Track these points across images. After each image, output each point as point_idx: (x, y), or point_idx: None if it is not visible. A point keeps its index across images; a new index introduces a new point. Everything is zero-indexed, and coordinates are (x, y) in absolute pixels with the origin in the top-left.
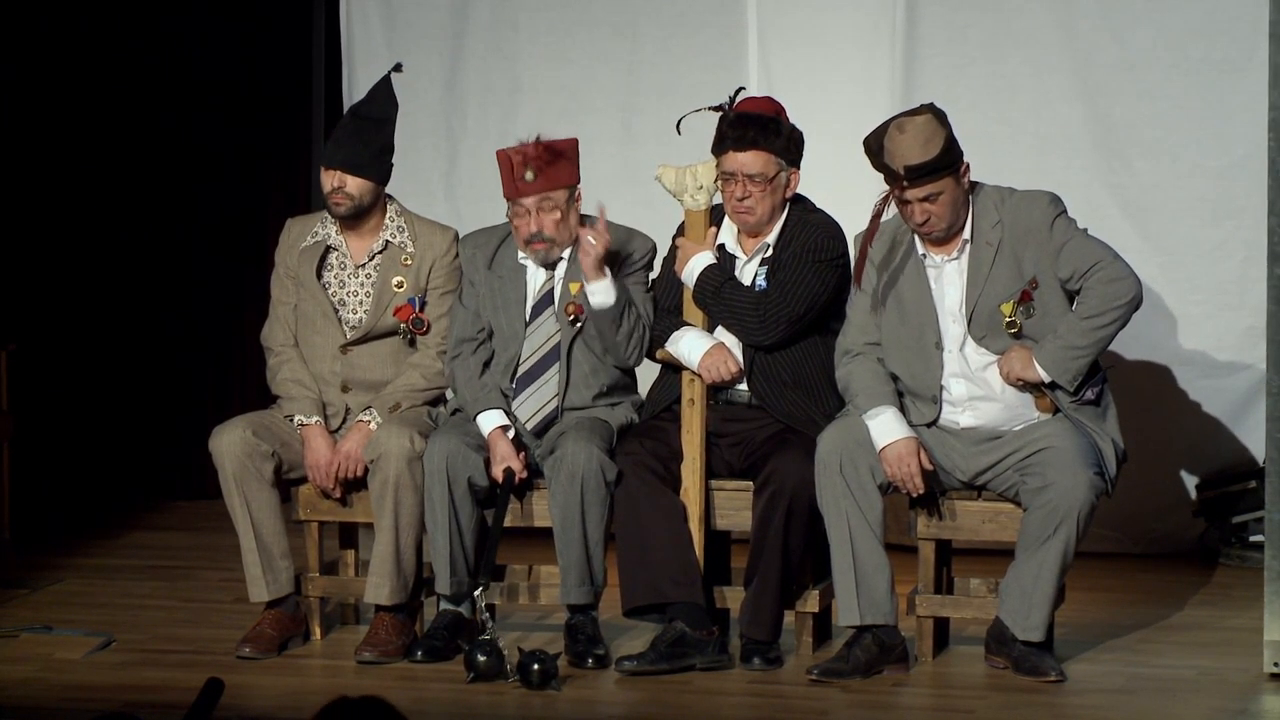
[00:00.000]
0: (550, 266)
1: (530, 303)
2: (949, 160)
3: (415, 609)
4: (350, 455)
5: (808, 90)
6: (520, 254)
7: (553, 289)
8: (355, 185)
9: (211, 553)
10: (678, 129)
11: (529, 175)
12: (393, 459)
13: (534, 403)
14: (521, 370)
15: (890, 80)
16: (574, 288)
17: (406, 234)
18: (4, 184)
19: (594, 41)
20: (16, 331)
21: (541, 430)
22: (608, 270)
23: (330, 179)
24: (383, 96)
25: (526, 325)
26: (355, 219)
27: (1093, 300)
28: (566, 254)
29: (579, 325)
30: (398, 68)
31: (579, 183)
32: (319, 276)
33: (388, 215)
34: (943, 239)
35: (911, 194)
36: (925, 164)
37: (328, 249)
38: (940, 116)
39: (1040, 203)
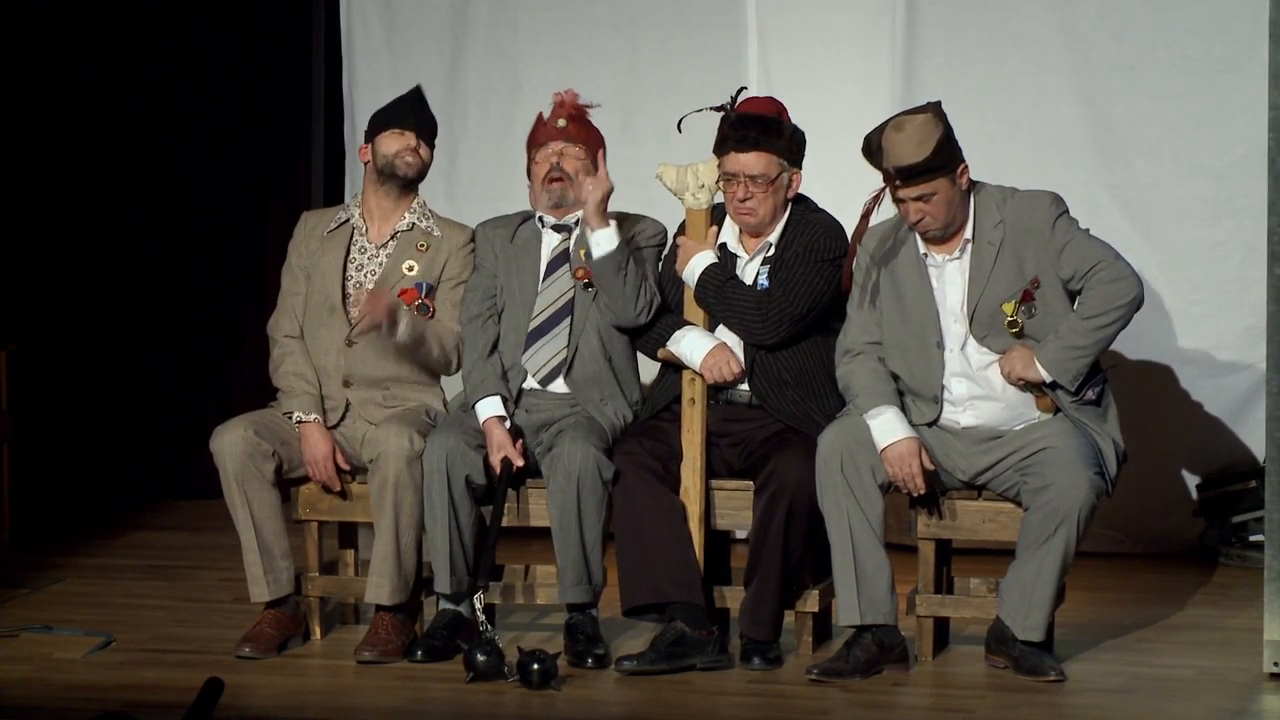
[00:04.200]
0: (564, 230)
1: (544, 263)
2: (942, 161)
3: (415, 609)
4: (318, 462)
5: (808, 90)
6: (538, 220)
7: (567, 249)
8: (426, 153)
9: (211, 553)
10: (679, 129)
11: (561, 122)
12: (392, 459)
13: (543, 354)
14: (534, 325)
15: (890, 80)
16: (584, 253)
17: (431, 221)
18: (4, 184)
19: (594, 41)
20: (16, 331)
21: (548, 381)
22: (611, 221)
23: (402, 139)
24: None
25: (542, 282)
26: (405, 189)
27: (1094, 300)
28: (579, 215)
29: (592, 291)
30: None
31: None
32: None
33: (415, 202)
34: (940, 238)
35: (905, 193)
36: (916, 165)
37: (353, 231)
38: (940, 116)
39: (1042, 203)
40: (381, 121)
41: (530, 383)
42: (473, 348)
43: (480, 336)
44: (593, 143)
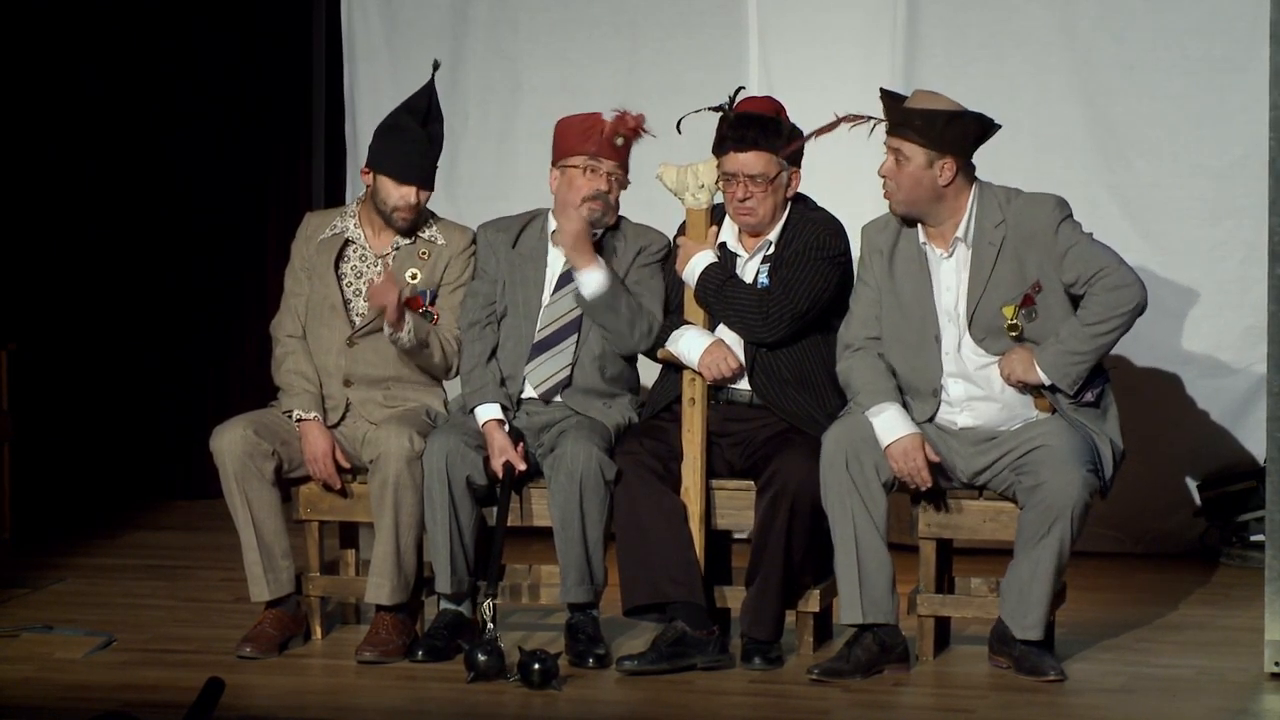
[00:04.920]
0: None
1: (554, 278)
2: (932, 131)
3: (415, 608)
4: (318, 459)
5: (808, 90)
6: (549, 229)
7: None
8: (424, 198)
9: (211, 552)
10: (678, 129)
11: (619, 141)
12: (392, 459)
13: (546, 369)
14: (538, 338)
15: (890, 80)
16: None
17: (435, 228)
18: (4, 184)
19: (594, 41)
20: (16, 331)
21: (549, 396)
22: (597, 259)
23: (405, 194)
24: (435, 99)
25: (549, 297)
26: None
27: (1096, 307)
28: (596, 232)
29: None
30: (436, 65)
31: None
32: (336, 268)
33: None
34: (902, 213)
35: (889, 139)
36: (908, 109)
37: (346, 242)
38: (971, 115)
39: (1045, 206)
40: (388, 163)
41: (530, 392)
42: (470, 353)
43: (479, 343)
44: (627, 167)
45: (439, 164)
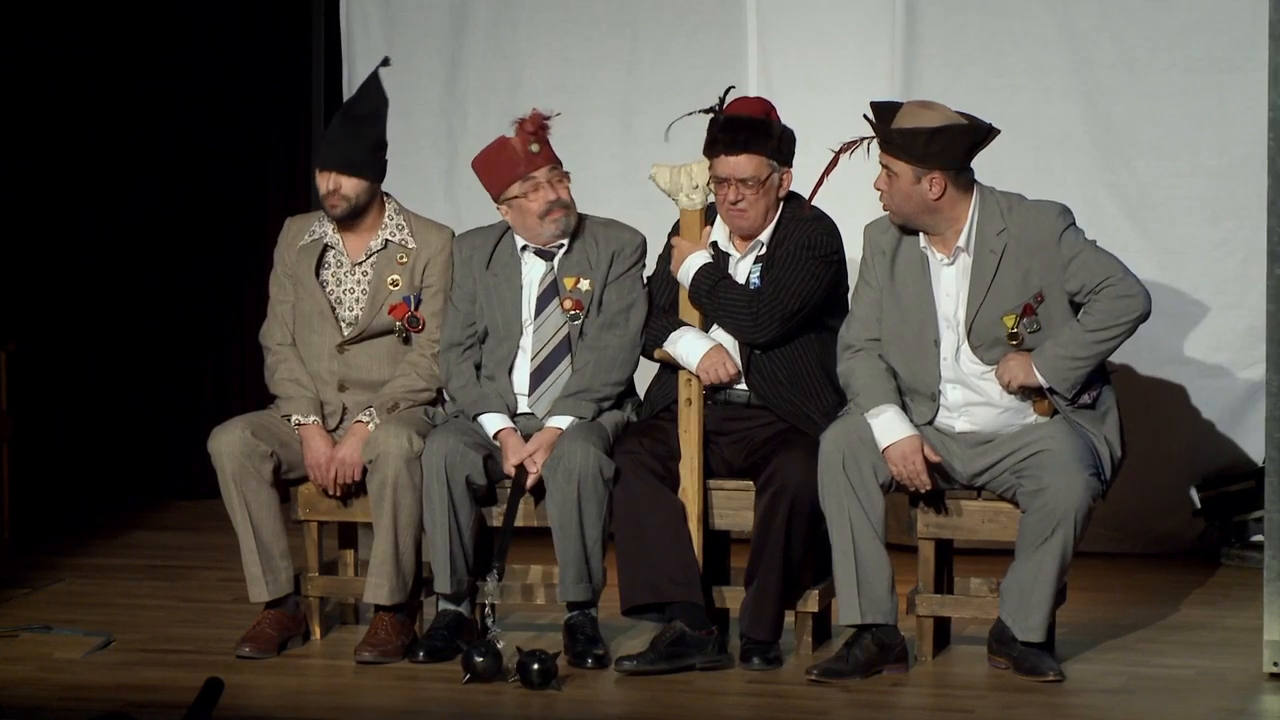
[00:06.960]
0: (548, 258)
1: (534, 295)
2: (910, 145)
3: (415, 609)
4: (346, 461)
5: (807, 90)
6: (519, 245)
7: (555, 281)
8: (351, 186)
9: (211, 553)
10: (666, 137)
11: (534, 147)
12: (391, 459)
13: (550, 395)
14: (534, 365)
15: (890, 80)
16: (569, 282)
17: (406, 231)
18: (3, 184)
19: (594, 41)
20: (16, 331)
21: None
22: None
23: (325, 181)
24: (372, 92)
25: (534, 318)
26: (352, 218)
27: (1099, 314)
28: (565, 241)
29: (579, 321)
30: (385, 62)
31: None
32: (317, 275)
33: (386, 214)
34: (900, 224)
35: (880, 155)
36: (892, 128)
37: (325, 247)
38: (966, 127)
39: (1049, 215)
40: (316, 154)
41: (524, 405)
42: (459, 374)
43: (464, 364)
44: (554, 154)
45: (439, 165)
